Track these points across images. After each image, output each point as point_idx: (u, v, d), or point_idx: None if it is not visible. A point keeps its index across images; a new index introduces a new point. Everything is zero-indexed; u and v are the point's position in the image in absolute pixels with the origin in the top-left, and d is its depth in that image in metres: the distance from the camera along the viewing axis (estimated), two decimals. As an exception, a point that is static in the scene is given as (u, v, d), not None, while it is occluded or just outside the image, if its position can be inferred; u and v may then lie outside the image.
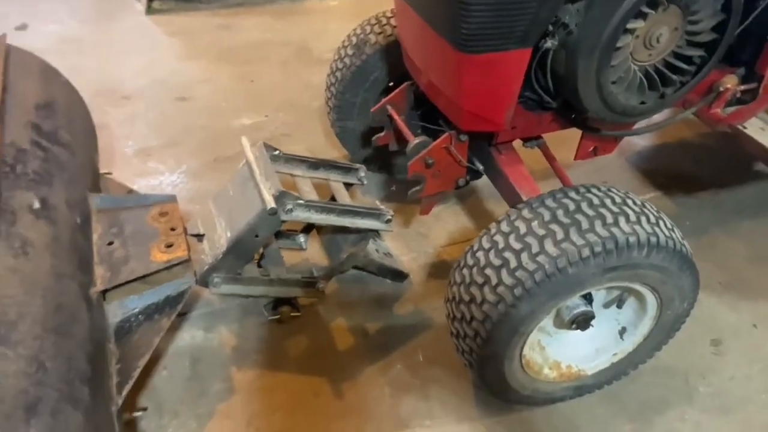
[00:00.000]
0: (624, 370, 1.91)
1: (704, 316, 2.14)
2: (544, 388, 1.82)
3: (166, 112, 3.26)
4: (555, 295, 1.53)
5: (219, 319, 2.13)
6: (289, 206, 1.77)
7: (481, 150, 2.04)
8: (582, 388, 1.88)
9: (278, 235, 2.17)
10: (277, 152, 2.00)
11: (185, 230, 1.85)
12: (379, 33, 2.31)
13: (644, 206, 1.62)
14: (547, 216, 1.56)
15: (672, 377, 1.99)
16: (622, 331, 1.85)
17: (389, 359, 2.03)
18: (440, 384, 1.95)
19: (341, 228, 1.99)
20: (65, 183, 1.74)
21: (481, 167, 2.08)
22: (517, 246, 1.54)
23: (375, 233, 2.10)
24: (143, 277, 1.68)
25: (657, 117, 1.95)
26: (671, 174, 2.85)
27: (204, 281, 1.82)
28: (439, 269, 2.36)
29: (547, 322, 1.74)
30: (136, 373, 1.53)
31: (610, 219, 1.52)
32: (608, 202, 1.58)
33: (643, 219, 1.56)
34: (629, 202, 1.61)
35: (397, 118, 2.15)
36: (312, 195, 1.95)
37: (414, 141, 1.97)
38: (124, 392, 1.50)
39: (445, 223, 2.57)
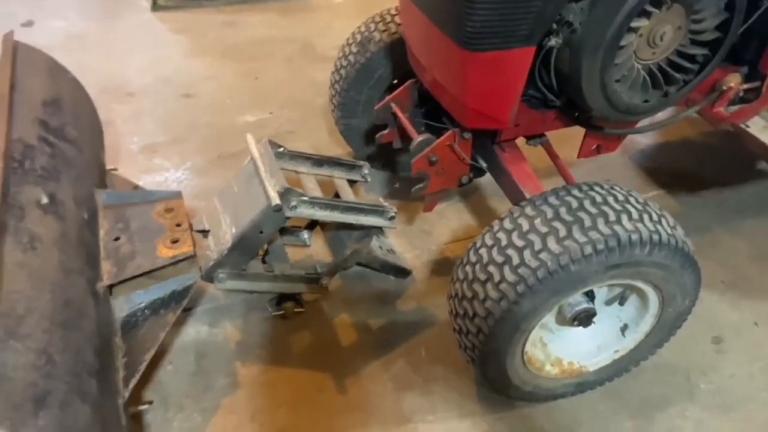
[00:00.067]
0: (625, 367, 1.92)
1: (706, 314, 2.14)
2: (545, 384, 1.83)
3: (171, 109, 3.28)
4: (557, 292, 1.54)
5: (224, 314, 2.15)
6: (294, 203, 1.79)
7: (485, 148, 2.05)
8: (583, 384, 1.90)
9: (282, 231, 2.18)
10: (281, 149, 2.01)
11: (191, 226, 1.86)
12: (384, 31, 2.32)
13: (647, 204, 1.63)
14: (549, 213, 1.57)
15: (673, 374, 2.00)
16: (624, 328, 1.86)
17: (392, 355, 2.04)
18: (443, 380, 1.97)
19: (345, 225, 2.00)
20: (72, 179, 1.76)
21: (484, 165, 2.09)
22: (519, 243, 1.55)
23: (378, 230, 2.11)
24: (149, 272, 1.70)
25: (660, 115, 1.95)
26: (674, 172, 2.86)
27: (209, 277, 1.84)
28: (442, 266, 2.37)
29: (549, 318, 1.75)
30: (143, 367, 1.55)
31: (612, 217, 1.53)
32: (611, 199, 1.59)
33: (646, 217, 1.56)
34: (632, 200, 1.62)
35: (401, 115, 2.16)
36: (316, 192, 1.97)
37: (418, 138, 1.98)
38: (131, 386, 1.52)
39: (448, 220, 2.58)
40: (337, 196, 2.08)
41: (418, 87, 2.16)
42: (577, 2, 1.53)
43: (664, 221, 1.60)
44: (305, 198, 1.81)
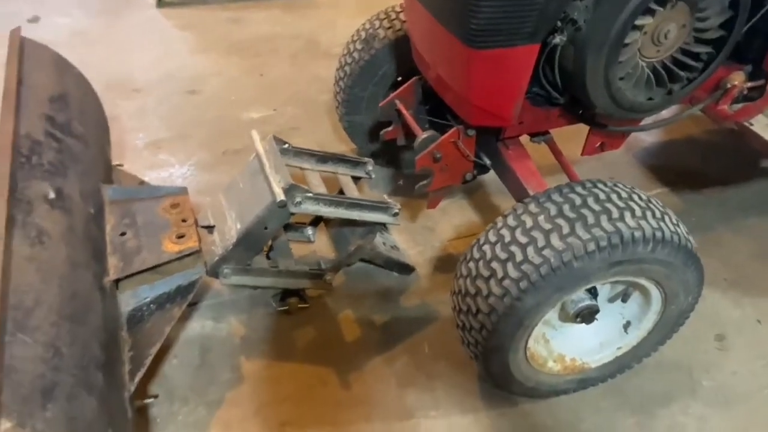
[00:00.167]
0: (628, 364, 1.93)
1: (709, 311, 2.15)
2: (548, 380, 1.84)
3: (176, 105, 3.29)
4: (560, 288, 1.55)
5: (228, 309, 2.16)
6: (298, 199, 1.80)
7: (489, 145, 2.06)
8: (586, 381, 1.90)
9: (287, 227, 2.19)
10: (286, 145, 2.02)
11: (196, 222, 1.88)
12: (388, 28, 2.32)
13: (650, 202, 1.64)
14: (553, 210, 1.57)
15: (676, 372, 2.00)
16: (627, 325, 1.87)
17: (395, 351, 2.05)
18: (445, 376, 1.98)
19: (349, 221, 2.01)
20: (79, 174, 1.78)
21: (488, 162, 2.10)
22: (523, 240, 1.56)
23: (382, 226, 2.12)
24: (155, 267, 1.72)
25: (664, 113, 1.96)
26: (678, 170, 2.86)
27: (214, 272, 1.85)
28: (446, 263, 2.38)
29: (552, 315, 1.76)
30: (148, 361, 1.57)
31: (615, 214, 1.54)
32: (614, 197, 1.59)
33: (649, 214, 1.57)
34: (635, 197, 1.62)
35: (405, 112, 2.17)
36: (321, 188, 1.97)
37: (422, 135, 1.98)
38: (137, 379, 1.53)
39: (451, 217, 2.59)
40: (341, 192, 2.08)
41: (423, 84, 2.17)
42: (581, 0, 1.54)
43: (667, 218, 1.61)
44: (310, 194, 1.82)
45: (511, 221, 1.62)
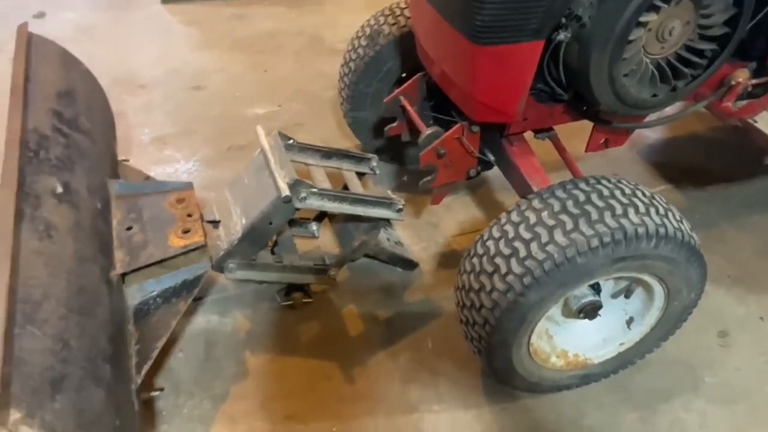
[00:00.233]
0: (631, 360, 1.93)
1: (712, 308, 2.15)
2: (550, 375, 1.85)
3: (181, 101, 3.31)
4: (563, 284, 1.55)
5: (233, 304, 2.18)
6: (303, 194, 1.81)
7: (493, 141, 2.07)
8: (588, 376, 1.91)
9: (291, 222, 2.20)
10: (291, 141, 2.03)
11: (201, 217, 1.89)
12: (393, 24, 2.33)
13: (653, 198, 1.64)
14: (557, 206, 1.58)
15: (678, 368, 2.01)
16: (630, 321, 1.88)
17: (399, 346, 2.06)
18: (449, 371, 1.99)
19: (353, 216, 2.02)
20: (86, 169, 1.79)
21: (492, 158, 2.10)
22: (526, 236, 1.56)
23: (386, 222, 2.13)
24: (161, 261, 1.73)
25: (668, 110, 1.96)
26: (682, 167, 2.86)
27: (219, 267, 1.86)
28: (449, 259, 2.39)
29: (555, 311, 1.76)
30: (155, 354, 1.58)
31: (619, 210, 1.54)
32: (618, 193, 1.60)
33: (652, 210, 1.58)
34: (638, 193, 1.63)
35: (409, 108, 2.18)
36: (325, 184, 1.98)
37: (426, 131, 1.99)
38: (143, 372, 1.55)
39: (455, 213, 2.60)
40: (345, 188, 2.09)
41: (427, 80, 2.17)
42: (586, -3, 1.54)
43: (670, 215, 1.61)
44: (314, 190, 1.83)
45: (514, 217, 1.63)
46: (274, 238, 2.11)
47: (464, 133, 1.94)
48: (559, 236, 1.52)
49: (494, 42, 1.55)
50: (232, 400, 1.89)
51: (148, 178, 2.21)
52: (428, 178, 2.05)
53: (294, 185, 1.78)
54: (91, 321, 1.40)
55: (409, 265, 2.25)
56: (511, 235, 1.59)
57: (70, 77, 2.04)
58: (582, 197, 1.58)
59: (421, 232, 2.50)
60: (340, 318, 2.15)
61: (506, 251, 1.58)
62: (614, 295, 1.87)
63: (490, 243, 1.63)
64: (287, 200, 1.77)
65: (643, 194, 1.63)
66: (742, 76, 1.89)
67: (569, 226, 1.53)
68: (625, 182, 1.67)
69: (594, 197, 1.58)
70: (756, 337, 2.11)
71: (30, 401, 1.13)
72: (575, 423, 1.86)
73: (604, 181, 1.65)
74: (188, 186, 1.99)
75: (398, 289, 2.26)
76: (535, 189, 1.87)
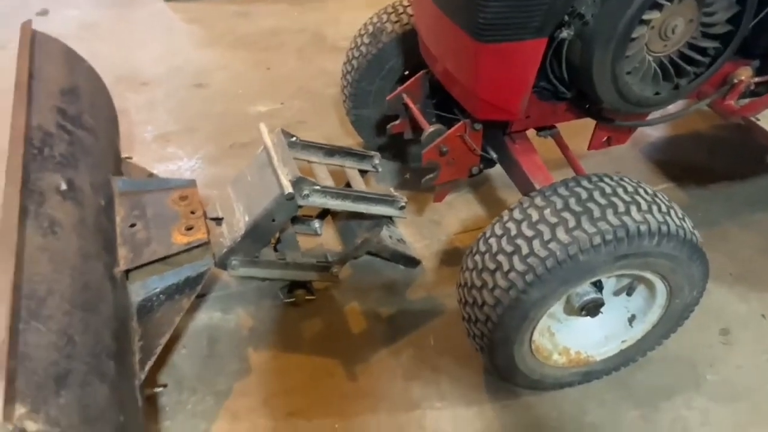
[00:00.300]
0: (632, 357, 1.94)
1: (714, 306, 2.16)
2: (552, 373, 1.86)
3: (184, 99, 3.31)
4: (566, 281, 1.56)
5: (236, 301, 2.19)
6: (306, 192, 1.81)
7: (495, 139, 2.07)
8: (590, 373, 1.92)
9: (294, 220, 2.21)
10: (294, 139, 2.03)
11: (204, 214, 1.89)
12: (396, 21, 2.33)
13: (656, 196, 1.64)
14: (559, 204, 1.58)
15: (680, 365, 2.01)
16: (632, 319, 1.88)
17: (401, 343, 2.07)
18: (451, 368, 1.99)
19: (355, 214, 2.03)
20: (90, 166, 1.80)
21: (494, 156, 2.11)
22: (529, 233, 1.57)
23: (389, 220, 2.13)
24: (164, 258, 1.74)
25: (671, 108, 1.96)
26: (684, 165, 2.86)
27: (222, 264, 1.87)
28: (451, 256, 2.39)
29: (558, 308, 1.77)
30: (158, 350, 1.59)
31: (621, 208, 1.55)
32: (620, 191, 1.60)
33: (655, 208, 1.58)
34: (641, 191, 1.63)
35: (412, 106, 2.18)
36: (328, 181, 1.99)
37: (429, 129, 1.99)
38: (147, 368, 1.56)
39: (457, 211, 2.60)
40: (348, 185, 2.10)
41: (430, 78, 2.17)
42: (589, -6, 1.54)
43: (672, 212, 1.61)
44: (317, 187, 1.83)
45: (517, 215, 1.63)
46: (277, 235, 2.11)
47: (467, 130, 1.94)
48: (561, 234, 1.52)
49: (497, 40, 1.55)
50: (234, 396, 1.90)
51: (151, 175, 2.22)
52: (431, 175, 2.05)
53: (297, 182, 1.79)
54: (95, 317, 1.41)
55: (412, 262, 2.25)
56: (513, 232, 1.60)
57: (74, 75, 2.05)
58: (584, 195, 1.58)
59: (424, 230, 2.50)
60: (343, 315, 2.16)
61: (509, 248, 1.58)
62: (616, 293, 1.87)
63: (492, 240, 1.64)
64: (290, 197, 1.77)
65: (646, 192, 1.64)
66: (744, 74, 1.89)
67: (572, 223, 1.53)
68: (627, 180, 1.67)
69: (596, 195, 1.58)
70: (758, 335, 2.12)
71: (35, 396, 1.14)
72: (577, 420, 1.87)
73: (606, 179, 1.65)
74: (191, 183, 2.00)
75: (400, 286, 2.26)
76: (537, 186, 1.87)
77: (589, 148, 2.10)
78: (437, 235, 2.49)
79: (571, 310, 1.74)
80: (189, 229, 1.81)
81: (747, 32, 1.67)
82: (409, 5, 2.35)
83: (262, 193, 1.85)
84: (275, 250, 2.09)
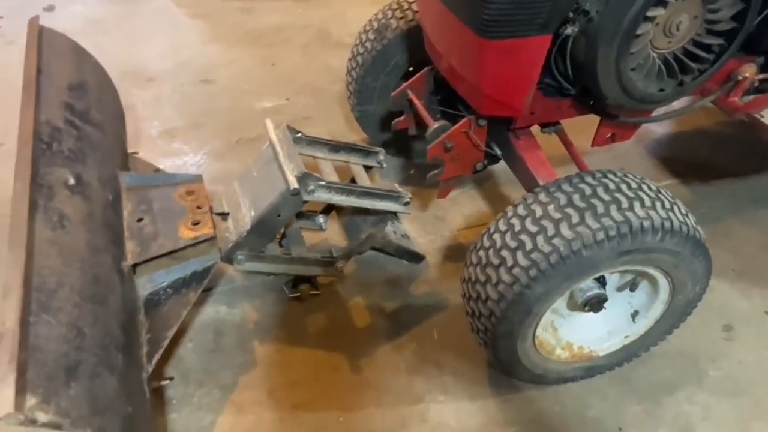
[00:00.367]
0: (635, 353, 1.95)
1: (716, 302, 2.17)
2: (555, 368, 1.87)
3: (189, 95, 3.33)
4: (569, 277, 1.57)
5: (242, 295, 2.20)
6: (312, 187, 1.83)
7: (500, 135, 2.07)
8: (593, 368, 1.93)
9: (299, 215, 2.22)
10: (299, 134, 2.05)
11: (211, 209, 1.91)
12: (401, 18, 2.34)
13: (659, 192, 1.65)
14: (563, 200, 1.59)
15: (683, 361, 2.02)
16: (635, 314, 1.89)
17: (405, 338, 2.08)
18: (454, 362, 2.01)
19: (360, 209, 2.04)
20: (97, 161, 1.81)
21: (499, 152, 2.12)
22: (533, 229, 1.58)
23: (393, 215, 2.14)
24: (171, 252, 1.75)
25: (675, 104, 1.96)
26: (688, 162, 2.86)
27: (228, 258, 1.89)
28: (455, 252, 2.40)
29: (561, 303, 1.78)
30: (165, 343, 1.61)
31: (625, 204, 1.55)
32: (624, 187, 1.61)
33: (658, 204, 1.58)
34: (644, 187, 1.63)
35: (417, 102, 2.19)
36: (333, 177, 2.00)
37: (434, 125, 2.00)
38: (154, 361, 1.58)
39: (462, 206, 2.61)
40: (353, 181, 2.11)
41: (434, 74, 2.18)
42: (593, -9, 1.55)
43: (676, 209, 1.62)
44: (322, 183, 1.85)
45: (521, 210, 1.64)
46: (282, 230, 2.13)
47: (471, 127, 1.95)
48: (565, 229, 1.53)
49: (502, 36, 1.56)
50: (240, 389, 1.92)
51: (157, 170, 2.23)
52: (435, 171, 2.06)
53: (302, 178, 1.80)
54: (103, 310, 1.43)
55: (416, 257, 2.27)
56: (517, 228, 1.61)
57: (81, 70, 2.06)
58: (588, 191, 1.59)
59: (428, 226, 2.51)
60: (347, 310, 2.18)
61: (512, 244, 1.59)
62: (619, 289, 1.88)
63: (496, 236, 1.65)
64: (295, 193, 1.79)
65: (649, 188, 1.64)
66: (749, 71, 1.89)
67: (575, 219, 1.54)
68: (631, 176, 1.68)
69: (600, 191, 1.59)
70: (760, 331, 2.12)
71: (45, 387, 1.16)
72: (579, 415, 1.88)
73: (610, 175, 1.66)
74: (198, 178, 2.01)
75: (404, 281, 2.28)
76: (541, 183, 1.88)
77: (593, 145, 2.11)
78: (441, 230, 2.50)
79: (575, 306, 1.75)
80: (196, 223, 1.83)
81: (751, 29, 1.67)
82: (413, 1, 2.36)
83: (267, 189, 1.87)
84: (280, 245, 2.11)
